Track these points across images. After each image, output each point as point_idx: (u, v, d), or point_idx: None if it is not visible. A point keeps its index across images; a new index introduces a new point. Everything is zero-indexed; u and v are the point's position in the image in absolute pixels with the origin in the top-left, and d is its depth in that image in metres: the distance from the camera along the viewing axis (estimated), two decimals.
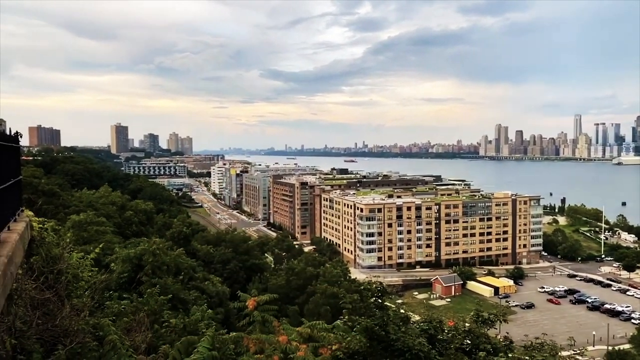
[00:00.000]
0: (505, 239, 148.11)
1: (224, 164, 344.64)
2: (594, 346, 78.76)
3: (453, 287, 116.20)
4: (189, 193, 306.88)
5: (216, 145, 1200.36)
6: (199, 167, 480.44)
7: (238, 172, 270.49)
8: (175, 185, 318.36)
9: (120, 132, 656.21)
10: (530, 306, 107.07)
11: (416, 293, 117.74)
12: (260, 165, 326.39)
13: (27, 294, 7.04)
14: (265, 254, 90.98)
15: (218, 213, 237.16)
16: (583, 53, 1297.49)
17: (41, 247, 8.27)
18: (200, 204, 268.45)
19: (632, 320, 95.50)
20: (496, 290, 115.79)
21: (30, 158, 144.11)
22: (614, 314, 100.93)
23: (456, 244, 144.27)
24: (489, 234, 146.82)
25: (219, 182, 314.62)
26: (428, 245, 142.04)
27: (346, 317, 13.28)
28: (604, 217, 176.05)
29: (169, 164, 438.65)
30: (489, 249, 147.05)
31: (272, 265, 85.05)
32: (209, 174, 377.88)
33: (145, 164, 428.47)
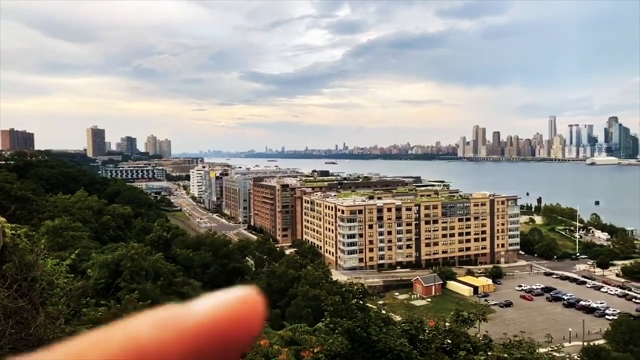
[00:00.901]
0: (483, 239, 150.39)
1: (204, 167, 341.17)
2: (570, 342, 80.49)
3: (433, 287, 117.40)
4: (167, 197, 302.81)
5: (195, 148, 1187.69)
6: (178, 170, 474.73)
7: (218, 175, 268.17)
8: (154, 189, 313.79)
9: (97, 135, 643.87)
10: (508, 304, 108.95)
11: (397, 294, 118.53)
12: (240, 167, 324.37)
13: (0, 303, 6.84)
14: (246, 257, 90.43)
15: (198, 217, 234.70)
16: (558, 56, 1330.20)
17: (14, 254, 8.04)
18: (179, 208, 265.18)
19: (606, 316, 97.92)
20: (475, 289, 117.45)
21: (3, 162, 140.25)
22: (589, 310, 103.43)
23: (436, 244, 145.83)
24: (468, 234, 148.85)
25: (198, 185, 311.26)
26: (408, 246, 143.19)
27: (328, 319, 13.28)
28: (579, 216, 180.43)
29: (147, 167, 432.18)
30: (468, 248, 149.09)
31: (253, 269, 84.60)
32: (188, 177, 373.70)
33: (123, 167, 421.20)
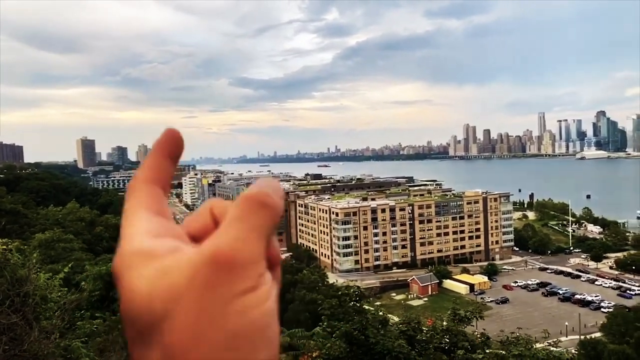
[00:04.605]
0: (478, 237, 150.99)
1: (196, 175, 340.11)
2: (567, 336, 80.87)
3: (430, 287, 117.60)
4: None
5: (187, 155, 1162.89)
6: None
7: (210, 182, 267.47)
8: None
9: (87, 146, 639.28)
10: (505, 301, 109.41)
11: (394, 294, 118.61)
12: (232, 174, 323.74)
13: None
14: None
15: None
16: (544, 53, 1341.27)
17: (5, 269, 7.95)
18: (172, 217, 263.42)
19: (602, 309, 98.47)
20: (471, 287, 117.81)
21: None
22: (584, 304, 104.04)
23: (430, 243, 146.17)
24: (462, 232, 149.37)
25: (191, 193, 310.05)
26: (403, 246, 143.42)
27: (325, 323, 13.26)
28: (571, 210, 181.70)
29: None
30: (463, 247, 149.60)
31: None
32: (180, 185, 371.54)
33: (115, 177, 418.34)
